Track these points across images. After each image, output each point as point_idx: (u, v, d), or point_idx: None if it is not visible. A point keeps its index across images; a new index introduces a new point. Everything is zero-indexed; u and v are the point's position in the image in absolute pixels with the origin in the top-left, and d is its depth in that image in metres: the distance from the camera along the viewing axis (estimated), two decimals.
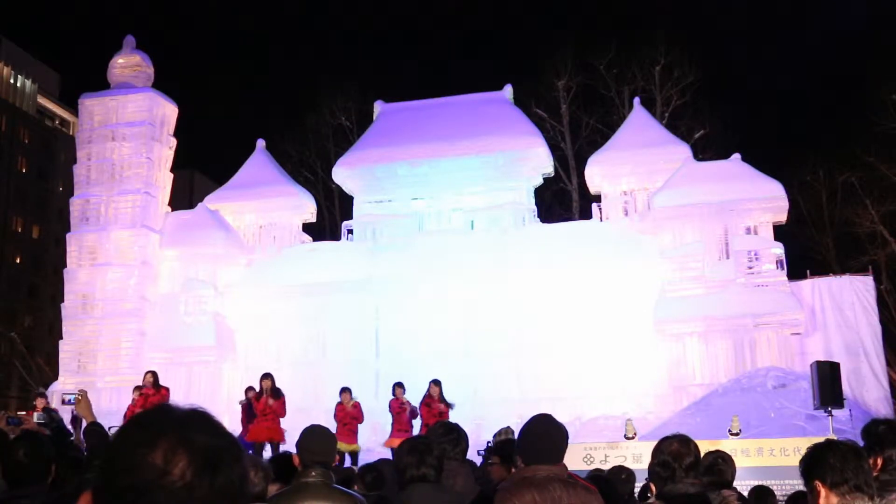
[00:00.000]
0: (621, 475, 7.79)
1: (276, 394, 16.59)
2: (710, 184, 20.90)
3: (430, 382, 16.88)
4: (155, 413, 1.50)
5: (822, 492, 3.39)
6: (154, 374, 17.19)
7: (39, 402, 16.68)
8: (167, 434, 1.42)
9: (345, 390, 17.16)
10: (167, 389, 17.17)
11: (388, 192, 24.03)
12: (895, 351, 29.02)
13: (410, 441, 4.87)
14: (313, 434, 4.74)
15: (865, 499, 3.32)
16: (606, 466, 9.36)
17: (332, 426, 18.16)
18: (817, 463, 3.47)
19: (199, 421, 1.48)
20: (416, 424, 16.72)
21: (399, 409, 16.97)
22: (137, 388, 17.08)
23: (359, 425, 17.18)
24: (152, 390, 16.66)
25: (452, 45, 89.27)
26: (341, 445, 16.19)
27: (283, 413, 16.55)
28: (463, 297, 21.77)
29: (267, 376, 16.80)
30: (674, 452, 4.45)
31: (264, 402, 16.45)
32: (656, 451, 4.53)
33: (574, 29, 71.84)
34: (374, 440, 18.86)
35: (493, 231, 22.73)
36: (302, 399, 20.21)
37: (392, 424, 17.14)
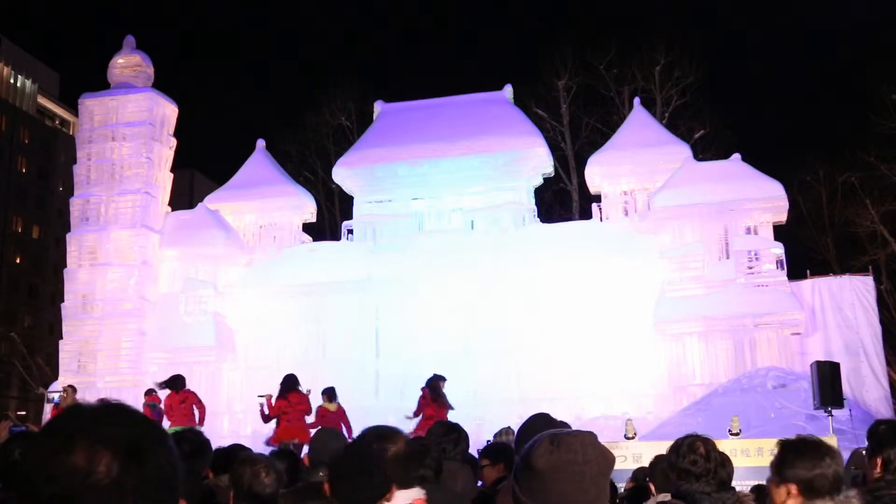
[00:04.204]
0: None
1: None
2: (710, 184, 20.89)
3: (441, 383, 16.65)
4: (64, 417, 1.43)
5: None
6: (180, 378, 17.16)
7: (70, 393, 16.79)
8: (82, 434, 1.36)
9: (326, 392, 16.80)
10: (194, 393, 17.09)
11: (388, 192, 24.02)
12: (895, 351, 29.02)
13: (408, 442, 4.85)
14: (324, 436, 4.81)
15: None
16: None
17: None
18: None
19: (112, 413, 1.42)
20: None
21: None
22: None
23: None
24: (174, 392, 16.67)
25: (452, 45, 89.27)
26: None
27: (306, 410, 16.37)
28: (463, 297, 21.74)
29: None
30: (704, 453, 4.54)
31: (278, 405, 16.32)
32: (686, 451, 4.57)
33: (574, 29, 71.83)
34: None
35: (493, 231, 22.71)
36: None
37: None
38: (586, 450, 2.27)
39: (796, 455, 3.42)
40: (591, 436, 2.36)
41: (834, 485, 3.35)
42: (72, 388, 17.58)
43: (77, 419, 1.41)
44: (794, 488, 3.39)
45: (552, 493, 2.24)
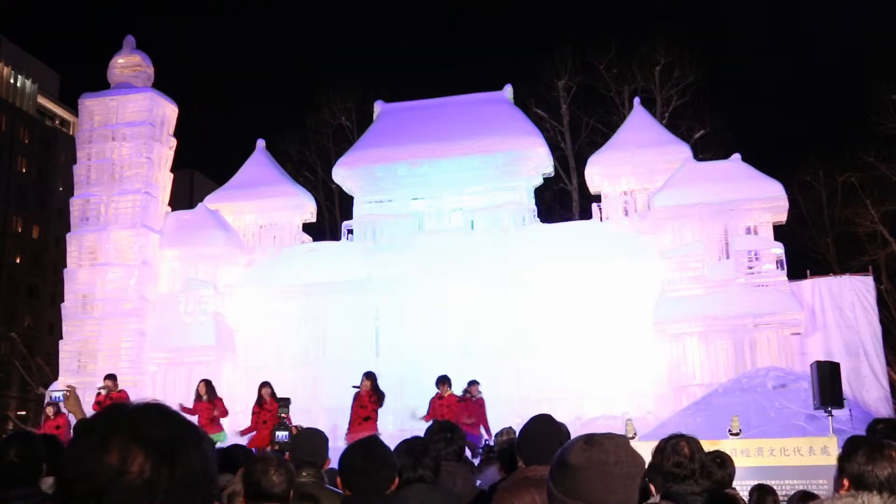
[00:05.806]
0: None
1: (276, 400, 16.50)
2: (710, 184, 20.88)
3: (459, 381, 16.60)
4: (103, 415, 1.47)
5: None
6: (207, 382, 17.09)
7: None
8: (118, 433, 1.39)
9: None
10: (220, 400, 17.11)
11: (388, 192, 24.00)
12: (895, 351, 29.01)
13: (407, 442, 4.84)
14: (305, 436, 4.79)
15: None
16: None
17: (337, 424, 17.92)
18: None
19: (151, 414, 1.45)
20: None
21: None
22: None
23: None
24: (204, 399, 16.67)
25: (452, 45, 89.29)
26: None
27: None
28: (463, 297, 21.73)
29: (266, 385, 16.73)
30: (688, 454, 4.52)
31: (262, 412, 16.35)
32: (669, 452, 4.56)
33: (574, 29, 71.85)
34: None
35: (493, 231, 22.70)
36: (302, 399, 20.12)
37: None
38: (618, 451, 2.42)
39: (855, 451, 3.50)
40: (624, 439, 2.52)
41: (885, 485, 3.38)
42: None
43: (115, 417, 1.44)
44: (846, 482, 3.46)
45: (582, 489, 2.37)
